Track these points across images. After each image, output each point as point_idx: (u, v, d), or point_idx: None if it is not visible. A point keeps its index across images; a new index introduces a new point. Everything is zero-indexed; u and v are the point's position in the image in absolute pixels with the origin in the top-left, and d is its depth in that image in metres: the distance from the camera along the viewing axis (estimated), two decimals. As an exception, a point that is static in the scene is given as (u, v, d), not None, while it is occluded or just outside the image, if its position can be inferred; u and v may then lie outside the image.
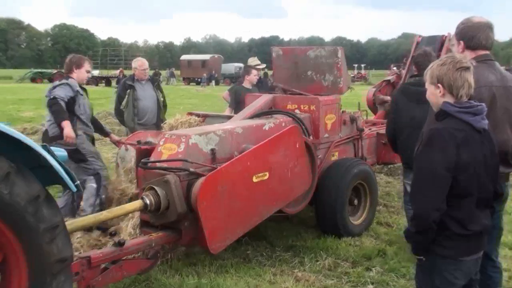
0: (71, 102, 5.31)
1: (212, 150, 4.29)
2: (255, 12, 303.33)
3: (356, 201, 5.39)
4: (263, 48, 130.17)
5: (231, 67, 51.66)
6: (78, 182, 2.84)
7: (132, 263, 3.70)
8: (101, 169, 5.43)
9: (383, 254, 4.66)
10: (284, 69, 6.01)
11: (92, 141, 5.72)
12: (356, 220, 5.36)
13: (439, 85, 2.49)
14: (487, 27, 2.97)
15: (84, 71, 5.55)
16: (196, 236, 4.02)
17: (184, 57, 57.96)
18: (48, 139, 5.20)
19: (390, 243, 4.98)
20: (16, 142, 2.58)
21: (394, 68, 53.13)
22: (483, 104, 2.49)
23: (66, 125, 5.08)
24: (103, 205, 5.26)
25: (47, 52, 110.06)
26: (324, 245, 4.87)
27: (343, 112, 5.67)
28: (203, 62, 50.70)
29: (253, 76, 7.37)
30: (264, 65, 8.41)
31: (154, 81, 7.08)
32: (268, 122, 4.86)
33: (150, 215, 3.94)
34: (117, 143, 5.87)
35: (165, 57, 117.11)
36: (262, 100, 5.53)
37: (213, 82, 46.78)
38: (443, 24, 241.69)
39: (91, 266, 3.34)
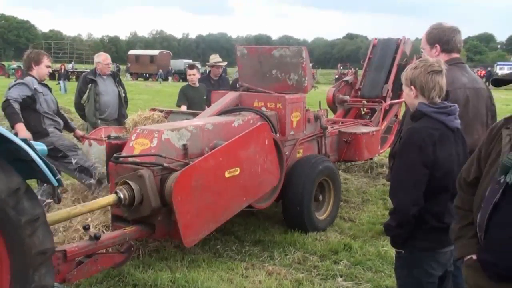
0: (29, 101, 5.17)
1: (184, 145, 4.32)
2: (201, 9, 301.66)
3: (320, 197, 5.54)
4: (210, 44, 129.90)
5: (180, 63, 51.06)
6: (59, 176, 2.80)
7: (106, 257, 3.67)
8: (83, 160, 5.25)
9: (349, 248, 4.81)
10: (249, 68, 6.08)
11: None
12: (321, 215, 5.52)
13: (412, 87, 2.65)
14: (458, 31, 3.17)
15: (44, 67, 5.41)
16: (170, 230, 4.04)
17: (132, 52, 56.64)
18: None
19: (354, 237, 5.15)
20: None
21: (341, 67, 54.71)
22: (456, 105, 2.66)
23: (20, 129, 4.97)
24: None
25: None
26: (292, 239, 4.98)
27: (307, 110, 5.80)
28: (152, 58, 49.87)
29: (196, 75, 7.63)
30: (225, 63, 8.45)
31: (116, 76, 6.97)
32: (237, 119, 4.93)
33: (124, 209, 3.92)
34: (81, 139, 5.74)
35: (110, 51, 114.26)
36: (228, 97, 5.58)
37: (170, 78, 46.30)
38: (385, 26, 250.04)
39: (66, 260, 3.31)
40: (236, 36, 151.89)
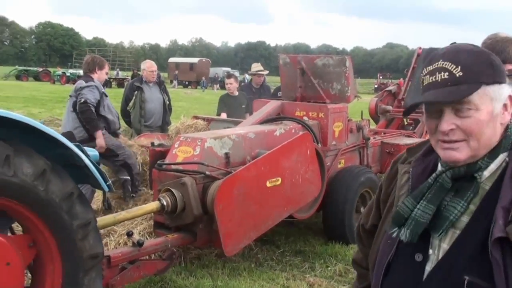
0: (97, 104, 5.31)
1: (226, 154, 4.34)
2: (241, 17, 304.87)
3: (362, 208, 5.46)
4: (249, 52, 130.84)
5: (219, 71, 51.64)
6: (110, 181, 2.86)
7: (149, 263, 3.72)
8: (128, 157, 5.38)
9: (390, 261, 4.71)
10: (291, 77, 6.07)
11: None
12: (362, 227, 5.43)
13: None
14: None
15: (105, 73, 5.62)
16: (211, 239, 4.06)
17: (172, 59, 57.62)
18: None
19: (396, 250, 5.04)
20: (52, 140, 2.60)
21: (381, 77, 54.00)
22: None
23: (99, 136, 5.16)
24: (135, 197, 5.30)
25: (31, 50, 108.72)
26: (333, 251, 4.93)
27: (349, 120, 5.75)
28: (191, 65, 50.61)
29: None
30: (266, 71, 8.48)
31: (161, 83, 7.10)
32: (279, 128, 4.93)
33: (166, 216, 3.97)
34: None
35: (151, 58, 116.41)
36: (270, 106, 5.59)
37: (218, 85, 45.84)
38: (425, 35, 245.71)
39: (110, 266, 3.36)
40: (274, 44, 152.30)
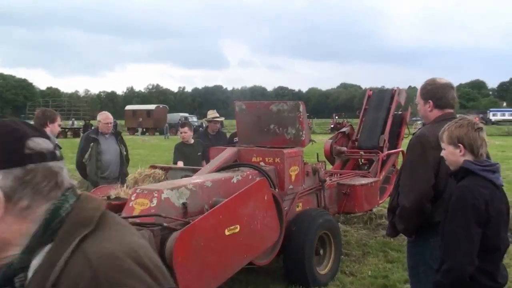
0: None
1: (184, 204, 4.32)
2: (196, 64, 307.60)
3: (321, 251, 5.50)
4: (206, 97, 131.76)
5: (176, 117, 51.64)
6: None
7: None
8: None
9: (351, 303, 4.74)
10: (247, 123, 6.18)
11: None
12: (322, 270, 5.46)
13: (459, 145, 2.64)
14: (451, 87, 3.26)
15: (57, 125, 5.53)
16: (170, 292, 3.98)
17: (129, 107, 57.27)
18: None
19: (357, 292, 5.08)
20: None
21: (336, 117, 55.29)
22: (499, 163, 2.70)
23: None
24: None
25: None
26: (294, 296, 4.90)
27: (305, 163, 5.85)
28: (148, 112, 50.45)
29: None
30: (222, 118, 8.58)
31: (117, 134, 7.04)
32: (235, 175, 4.96)
33: (123, 272, 3.87)
34: None
35: (107, 106, 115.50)
36: (227, 153, 5.64)
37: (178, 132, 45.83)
38: (377, 75, 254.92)
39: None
40: (231, 88, 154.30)
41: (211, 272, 4.07)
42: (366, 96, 8.76)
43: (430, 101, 3.20)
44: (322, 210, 5.73)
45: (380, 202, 7.14)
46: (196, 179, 4.81)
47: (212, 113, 8.37)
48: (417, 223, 2.95)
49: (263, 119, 6.02)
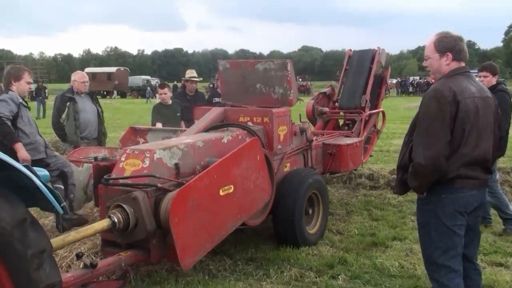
0: (14, 117, 4.94)
1: (176, 164, 4.20)
2: (155, 26, 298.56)
3: (310, 211, 5.49)
4: (167, 60, 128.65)
5: (138, 80, 50.48)
6: (65, 203, 2.65)
7: (102, 285, 3.50)
8: (63, 165, 5.06)
9: (343, 262, 4.77)
10: (232, 83, 6.01)
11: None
12: (312, 229, 5.47)
13: (448, 53, 3.08)
14: (464, 41, 3.18)
15: (24, 83, 5.21)
16: (165, 253, 3.90)
17: (88, 69, 55.23)
18: None
19: (347, 250, 5.12)
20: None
21: (300, 79, 55.02)
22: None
23: (20, 148, 4.78)
24: (72, 209, 4.95)
25: None
26: (285, 255, 4.90)
27: (293, 123, 5.77)
28: (109, 75, 49.04)
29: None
30: (201, 78, 8.36)
31: (92, 94, 6.77)
32: (226, 135, 4.84)
33: (117, 234, 3.75)
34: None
35: (63, 70, 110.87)
36: (213, 113, 5.49)
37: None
38: (339, 38, 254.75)
39: (62, 291, 3.11)
40: (192, 51, 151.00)
41: (207, 233, 3.99)
42: (346, 56, 8.65)
43: (448, 53, 3.09)
44: (311, 170, 5.70)
45: (363, 161, 7.18)
46: (187, 139, 4.66)
47: (190, 73, 8.15)
48: (431, 180, 2.93)
49: (248, 78, 5.86)
